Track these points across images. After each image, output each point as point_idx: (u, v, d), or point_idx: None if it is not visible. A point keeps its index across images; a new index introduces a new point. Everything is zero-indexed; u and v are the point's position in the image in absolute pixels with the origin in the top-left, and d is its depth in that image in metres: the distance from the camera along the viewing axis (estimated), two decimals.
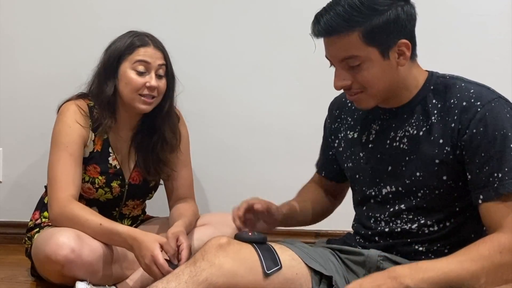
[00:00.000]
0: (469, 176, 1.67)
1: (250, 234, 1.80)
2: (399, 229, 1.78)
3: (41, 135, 2.48)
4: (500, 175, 1.61)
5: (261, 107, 2.83)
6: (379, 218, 1.82)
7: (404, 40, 1.69)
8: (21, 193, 2.86)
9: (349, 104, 1.93)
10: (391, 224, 1.79)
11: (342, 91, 1.77)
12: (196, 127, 2.61)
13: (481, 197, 1.64)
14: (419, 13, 2.71)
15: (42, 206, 2.43)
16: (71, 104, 2.32)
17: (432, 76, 1.78)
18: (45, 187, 2.44)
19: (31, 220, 2.42)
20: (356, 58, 1.66)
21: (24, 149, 2.87)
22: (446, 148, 1.68)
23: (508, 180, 1.61)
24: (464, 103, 1.67)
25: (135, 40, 2.30)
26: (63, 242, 2.12)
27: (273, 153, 2.85)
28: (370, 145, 1.84)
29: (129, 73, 2.28)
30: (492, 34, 2.71)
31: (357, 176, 1.88)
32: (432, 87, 1.75)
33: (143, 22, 2.44)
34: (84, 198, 2.35)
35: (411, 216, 1.76)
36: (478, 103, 1.65)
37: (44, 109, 2.47)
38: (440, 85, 1.74)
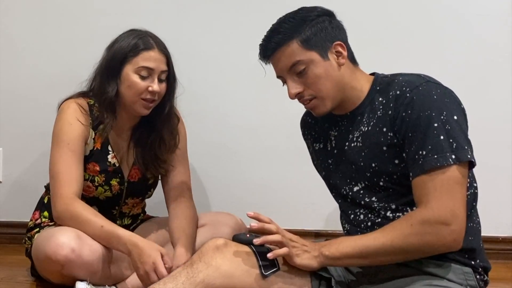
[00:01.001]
0: (405, 156, 1.78)
1: (248, 235, 1.81)
2: (379, 219, 1.84)
3: (41, 135, 2.48)
4: (424, 152, 1.73)
5: (260, 107, 2.83)
6: (358, 213, 1.89)
7: (338, 42, 1.86)
8: (21, 193, 2.86)
9: (309, 120, 2.07)
10: (369, 216, 1.86)
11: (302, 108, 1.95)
12: (196, 127, 2.61)
13: (411, 174, 1.76)
14: (418, 13, 2.74)
15: (42, 206, 2.43)
16: (72, 102, 2.31)
17: (377, 78, 1.91)
18: (45, 187, 2.44)
19: (31, 220, 2.42)
20: (300, 62, 1.84)
21: (24, 149, 2.87)
22: (389, 134, 1.80)
23: (431, 157, 1.71)
24: (398, 92, 1.81)
25: (139, 42, 2.27)
26: (64, 242, 2.12)
27: (273, 153, 2.85)
28: (335, 151, 1.95)
29: (132, 76, 2.26)
30: (491, 34, 2.70)
31: (331, 181, 1.98)
32: (378, 88, 1.88)
33: (143, 23, 2.43)
34: (84, 197, 2.34)
35: (382, 204, 1.84)
36: (408, 89, 1.79)
37: (44, 108, 2.47)
38: (384, 84, 1.87)
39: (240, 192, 2.87)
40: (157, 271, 2.04)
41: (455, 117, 1.74)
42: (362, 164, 1.85)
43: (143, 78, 2.25)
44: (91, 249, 2.14)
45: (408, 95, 1.77)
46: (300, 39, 1.83)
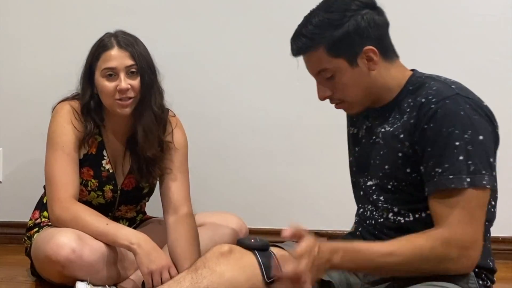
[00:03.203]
0: (422, 170, 1.72)
1: (252, 240, 1.81)
2: (381, 220, 1.82)
3: (41, 135, 2.47)
4: (440, 170, 1.66)
5: (261, 107, 2.83)
6: (366, 209, 1.87)
7: (369, 47, 1.76)
8: (21, 193, 2.86)
9: None
10: (374, 214, 1.84)
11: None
12: (196, 127, 2.61)
13: (426, 189, 1.70)
14: (419, 13, 2.74)
15: (42, 205, 2.42)
16: (65, 104, 2.31)
17: (413, 76, 1.83)
18: (45, 187, 2.44)
19: (30, 219, 2.42)
20: (327, 70, 1.77)
21: (24, 149, 2.87)
22: (406, 142, 1.74)
23: (446, 176, 1.65)
24: (423, 100, 1.72)
25: (100, 45, 2.26)
26: (64, 243, 2.12)
27: (273, 153, 2.85)
28: (363, 140, 1.91)
29: (100, 81, 2.24)
30: (492, 34, 2.71)
31: (353, 168, 1.95)
32: (410, 87, 1.80)
33: (142, 23, 2.44)
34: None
35: (386, 205, 1.81)
36: (434, 100, 1.70)
37: (44, 109, 2.47)
38: (417, 85, 1.79)
39: (240, 192, 2.87)
40: (163, 275, 2.06)
41: (481, 137, 1.67)
42: (378, 162, 1.81)
43: (110, 79, 2.23)
44: (91, 250, 2.14)
45: (432, 106, 1.69)
46: (326, 45, 1.74)
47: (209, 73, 2.83)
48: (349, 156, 2.00)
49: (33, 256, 2.29)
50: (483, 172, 1.66)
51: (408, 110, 1.75)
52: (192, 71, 2.76)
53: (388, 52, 1.81)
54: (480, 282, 1.77)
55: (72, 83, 2.37)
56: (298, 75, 2.79)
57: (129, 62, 2.24)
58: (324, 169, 2.82)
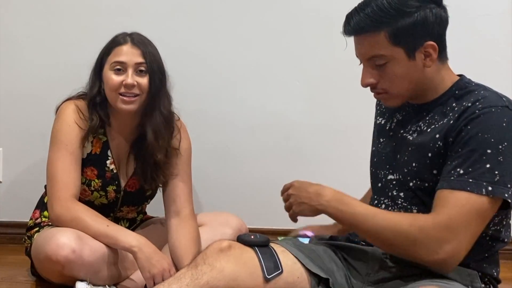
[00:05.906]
0: (443, 167, 1.71)
1: (252, 237, 1.81)
2: None
3: (41, 135, 2.48)
4: (461, 171, 1.65)
5: (260, 107, 2.83)
6: (382, 202, 1.86)
7: (431, 42, 1.72)
8: (21, 193, 2.86)
9: None
10: (389, 209, 1.82)
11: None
12: (196, 127, 2.61)
13: (438, 185, 1.69)
14: None
15: (42, 205, 2.43)
16: (70, 103, 2.31)
17: (461, 81, 1.79)
18: (45, 186, 2.44)
19: (31, 219, 2.42)
20: (382, 57, 1.72)
21: (24, 149, 2.87)
22: (440, 143, 1.72)
23: (466, 179, 1.64)
24: (469, 104, 1.70)
25: (114, 40, 2.28)
26: (64, 243, 2.12)
27: (273, 153, 2.85)
28: (390, 133, 1.88)
29: (108, 73, 2.25)
30: (492, 33, 2.71)
31: (374, 159, 1.93)
32: (456, 92, 1.77)
33: (143, 22, 2.43)
34: (79, 200, 2.32)
35: (405, 204, 1.80)
36: (480, 106, 1.69)
37: (44, 109, 2.48)
38: (464, 91, 1.76)
39: (240, 192, 2.87)
40: (165, 278, 2.07)
41: None
42: (405, 158, 1.79)
43: (118, 73, 2.24)
44: (91, 250, 2.15)
45: (477, 111, 1.66)
46: (389, 31, 1.69)
47: (209, 72, 2.83)
48: (372, 146, 1.98)
49: (33, 256, 2.29)
50: (509, 186, 1.65)
51: (451, 113, 1.73)
52: (192, 71, 2.76)
53: (443, 52, 1.78)
54: (483, 285, 1.77)
55: (72, 84, 2.38)
56: (298, 75, 2.82)
57: (139, 59, 2.25)
58: (325, 169, 2.82)
